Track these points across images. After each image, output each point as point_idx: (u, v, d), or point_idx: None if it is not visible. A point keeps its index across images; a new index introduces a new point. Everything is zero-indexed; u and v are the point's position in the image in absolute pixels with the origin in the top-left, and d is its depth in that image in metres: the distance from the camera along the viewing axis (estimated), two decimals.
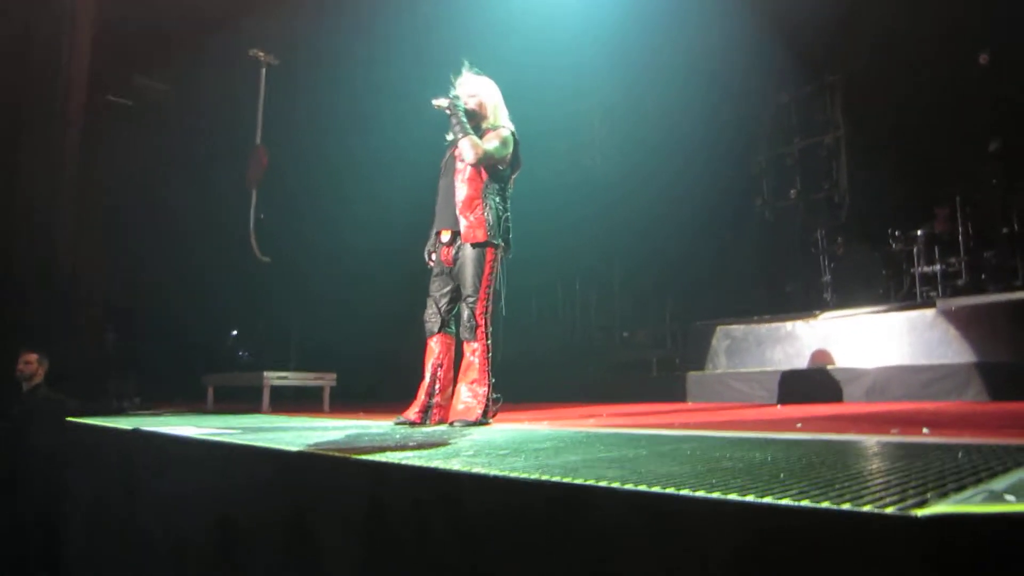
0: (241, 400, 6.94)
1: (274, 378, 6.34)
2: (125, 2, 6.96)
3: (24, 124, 7.06)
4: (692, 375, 6.90)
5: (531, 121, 8.80)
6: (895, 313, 6.10)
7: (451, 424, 3.81)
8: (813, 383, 5.74)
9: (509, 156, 4.03)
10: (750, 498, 1.37)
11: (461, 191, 3.96)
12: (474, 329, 3.90)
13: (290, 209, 8.21)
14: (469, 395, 3.86)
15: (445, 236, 4.10)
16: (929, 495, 1.33)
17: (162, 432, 3.67)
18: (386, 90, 7.36)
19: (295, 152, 8.19)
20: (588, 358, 9.14)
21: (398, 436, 3.26)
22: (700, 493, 1.45)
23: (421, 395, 4.08)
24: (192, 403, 7.07)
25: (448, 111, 3.97)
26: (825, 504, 1.28)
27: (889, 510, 1.20)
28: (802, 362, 6.27)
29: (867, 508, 1.22)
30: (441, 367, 4.10)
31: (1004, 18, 7.25)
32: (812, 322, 6.55)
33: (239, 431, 3.64)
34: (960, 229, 7.36)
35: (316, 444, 2.84)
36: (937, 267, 7.34)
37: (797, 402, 5.61)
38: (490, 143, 3.95)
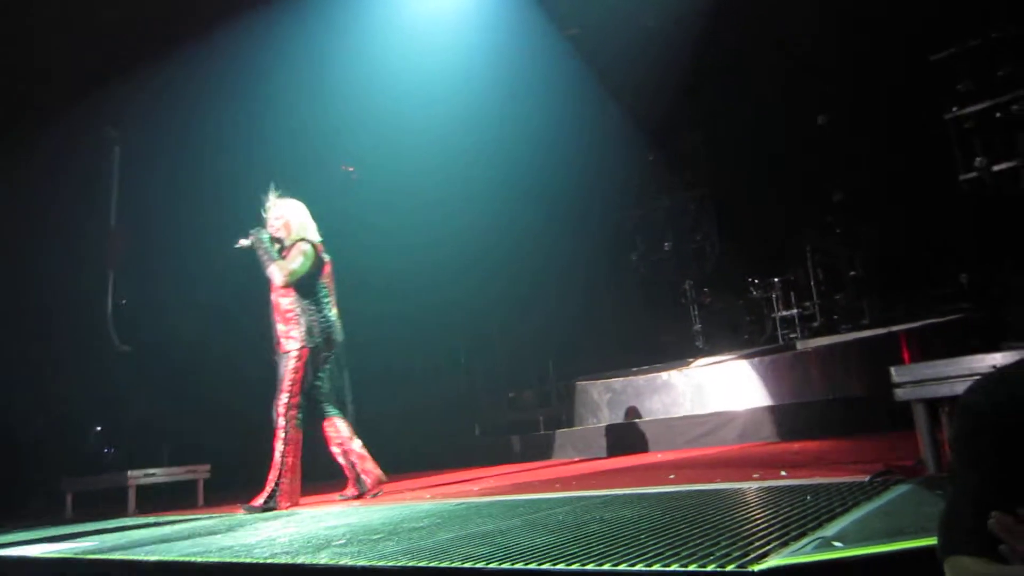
0: (105, 504, 6.39)
1: (140, 476, 5.90)
2: None
3: None
4: (575, 430, 6.98)
5: (405, 185, 8.95)
6: (759, 357, 6.44)
7: (246, 508, 4.30)
8: (689, 430, 5.92)
9: (312, 265, 4.53)
10: (606, 567, 1.39)
11: (276, 302, 4.51)
12: (277, 420, 4.39)
13: (155, 292, 7.81)
14: (269, 480, 4.36)
15: (276, 347, 4.54)
16: (772, 546, 1.39)
17: (5, 556, 3.33)
18: (244, 167, 7.23)
19: (156, 232, 7.86)
20: (475, 421, 9.10)
21: (272, 530, 3.10)
22: (560, 566, 1.46)
23: (347, 473, 4.60)
24: (49, 513, 6.47)
25: (254, 247, 4.52)
26: (674, 567, 1.31)
27: (731, 567, 1.25)
28: (679, 410, 6.47)
29: (711, 567, 1.27)
30: (342, 444, 4.57)
31: (837, 82, 7.99)
32: (686, 371, 6.80)
33: (96, 544, 3.37)
34: (812, 275, 7.91)
35: (180, 549, 2.67)
36: (794, 311, 7.84)
37: (675, 449, 5.77)
38: (294, 262, 4.48)
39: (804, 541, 1.39)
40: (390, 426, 8.22)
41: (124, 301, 7.75)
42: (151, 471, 5.99)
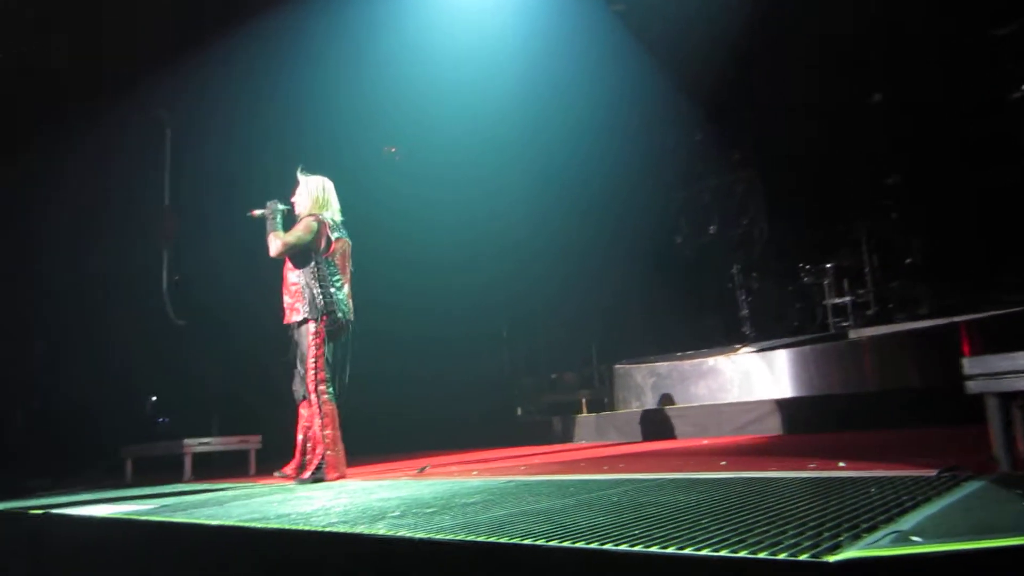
0: (162, 470, 6.61)
1: (195, 445, 6.08)
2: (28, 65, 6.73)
3: None
4: (620, 413, 6.97)
5: (450, 165, 8.96)
6: (811, 345, 6.33)
7: (297, 480, 4.43)
8: (737, 417, 5.87)
9: (313, 240, 4.55)
10: (671, 550, 1.38)
11: (285, 277, 4.60)
12: (305, 391, 4.47)
13: (205, 270, 7.99)
14: (308, 455, 4.48)
15: (285, 322, 4.62)
16: (843, 537, 1.37)
17: (71, 514, 3.46)
18: (293, 144, 7.33)
19: (209, 211, 8.02)
20: (517, 400, 9.15)
21: (323, 499, 3.16)
22: (623, 547, 1.45)
23: (296, 454, 4.64)
24: (111, 477, 6.70)
25: (267, 216, 4.61)
26: (743, 553, 1.30)
27: (803, 557, 1.23)
28: (726, 396, 6.41)
29: (783, 556, 1.25)
30: (308, 428, 4.57)
31: (894, 58, 7.73)
32: (733, 357, 6.73)
33: (156, 507, 3.48)
34: (867, 261, 7.73)
35: (239, 515, 2.74)
36: (847, 299, 7.67)
37: (722, 436, 5.73)
38: (291, 235, 4.53)
39: (878, 534, 1.36)
40: (432, 404, 8.32)
41: (178, 278, 7.95)
42: (206, 440, 6.16)
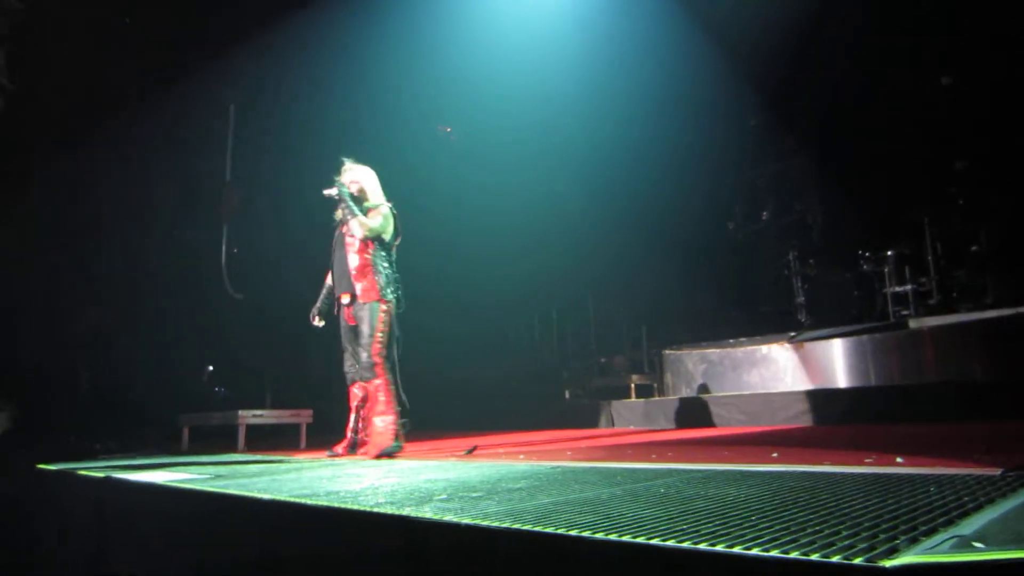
0: (217, 439, 6.82)
1: (249, 416, 6.25)
2: (92, 45, 6.92)
3: None
4: (669, 400, 6.90)
5: (498, 139, 8.93)
6: (869, 334, 6.16)
7: (368, 455, 4.50)
8: (790, 406, 5.75)
9: (390, 228, 4.82)
10: (719, 548, 1.36)
11: (353, 261, 4.75)
12: (372, 367, 4.60)
13: (262, 245, 8.16)
14: (380, 427, 4.55)
15: (345, 299, 4.82)
16: (900, 540, 1.32)
17: (133, 480, 3.59)
18: (355, 123, 7.41)
19: (266, 188, 8.17)
20: (566, 384, 9.13)
21: (372, 478, 3.21)
22: (670, 543, 1.43)
23: (348, 432, 4.85)
24: (167, 443, 6.94)
25: (336, 197, 4.81)
26: (794, 555, 1.26)
27: (858, 560, 1.19)
28: (779, 385, 6.29)
29: (836, 559, 1.21)
30: (361, 408, 4.81)
31: (965, 39, 7.41)
32: (787, 344, 6.59)
33: (212, 476, 3.58)
34: (929, 249, 7.46)
35: (290, 489, 2.79)
36: (908, 287, 7.43)
37: (774, 425, 5.63)
38: (374, 220, 4.76)
39: (937, 538, 1.31)
40: (481, 387, 8.38)
41: (236, 251, 8.14)
42: (259, 412, 6.32)
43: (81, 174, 7.67)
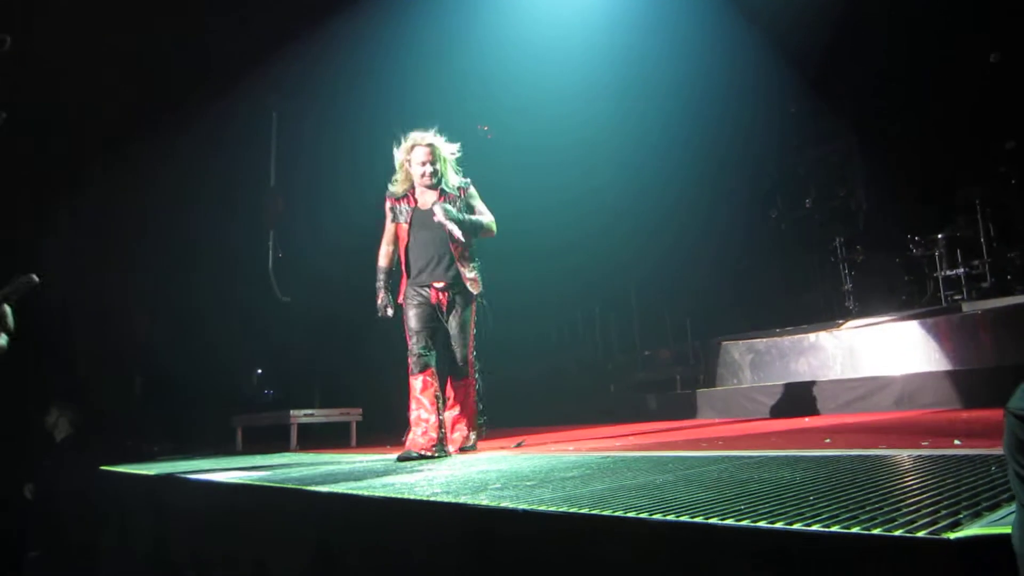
0: (269, 439, 6.98)
1: (300, 416, 6.38)
2: (138, 52, 7.12)
3: (44, 170, 7.22)
4: (715, 391, 6.84)
5: (536, 138, 8.94)
6: (920, 319, 6.03)
7: (456, 451, 4.31)
8: (840, 394, 5.66)
9: None
10: (779, 525, 1.36)
11: (458, 249, 4.34)
12: (467, 366, 4.40)
13: (309, 247, 8.31)
14: (463, 426, 4.44)
15: (439, 285, 4.34)
16: (962, 515, 1.31)
17: (192, 477, 3.70)
18: (395, 125, 7.50)
19: (308, 192, 8.32)
20: (610, 378, 9.10)
21: (425, 470, 3.26)
22: (729, 521, 1.44)
23: (431, 431, 4.14)
24: (221, 444, 7.12)
25: (454, 222, 4.28)
26: (855, 530, 1.27)
27: (921, 534, 1.19)
28: (827, 373, 6.19)
29: (899, 533, 1.21)
30: (439, 399, 4.28)
31: (1014, 14, 7.20)
32: (836, 332, 6.48)
33: (267, 472, 3.67)
34: (982, 231, 7.27)
35: (345, 484, 2.86)
36: (960, 270, 7.25)
37: (825, 414, 5.55)
38: (488, 217, 4.50)
39: (1001, 512, 1.30)
40: (525, 385, 8.41)
41: (281, 255, 8.30)
42: (310, 411, 6.45)
43: (128, 182, 7.90)
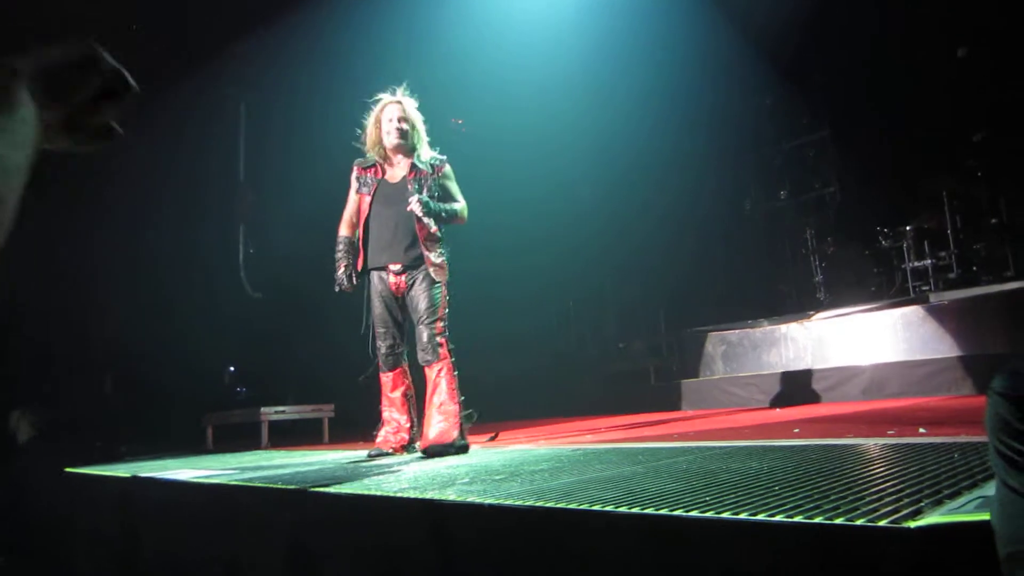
0: (240, 437, 6.89)
1: (271, 413, 6.31)
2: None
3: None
4: (688, 382, 6.89)
5: (510, 131, 8.91)
6: (888, 310, 6.11)
7: (426, 450, 3.69)
8: (810, 384, 5.73)
9: None
10: (743, 516, 1.36)
11: (423, 229, 3.93)
12: (436, 349, 3.83)
13: (279, 242, 8.22)
14: (440, 418, 3.75)
15: (396, 267, 3.96)
16: (924, 503, 1.32)
17: (160, 477, 3.64)
18: (366, 118, 7.43)
19: (279, 185, 8.21)
20: (584, 371, 9.12)
21: (395, 466, 3.24)
22: (694, 513, 1.44)
23: (402, 431, 3.99)
24: (192, 443, 7.02)
25: (430, 215, 3.95)
26: (818, 519, 1.26)
27: (883, 523, 1.19)
28: (798, 364, 6.26)
29: (860, 522, 1.21)
30: (412, 397, 4.06)
31: (980, 11, 7.31)
32: (806, 323, 6.55)
33: (237, 471, 3.62)
34: (948, 222, 7.38)
35: (314, 480, 2.82)
36: (928, 262, 7.36)
37: (795, 404, 5.60)
38: (461, 203, 4.11)
39: (962, 500, 1.31)
40: (498, 375, 8.39)
41: (252, 251, 8.20)
42: (282, 408, 6.38)
43: (92, 176, 7.74)
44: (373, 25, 7.82)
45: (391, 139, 4.04)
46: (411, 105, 4.13)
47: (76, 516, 4.60)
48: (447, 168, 4.13)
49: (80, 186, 7.47)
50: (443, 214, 3.99)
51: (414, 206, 3.90)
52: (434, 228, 3.97)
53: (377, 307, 4.04)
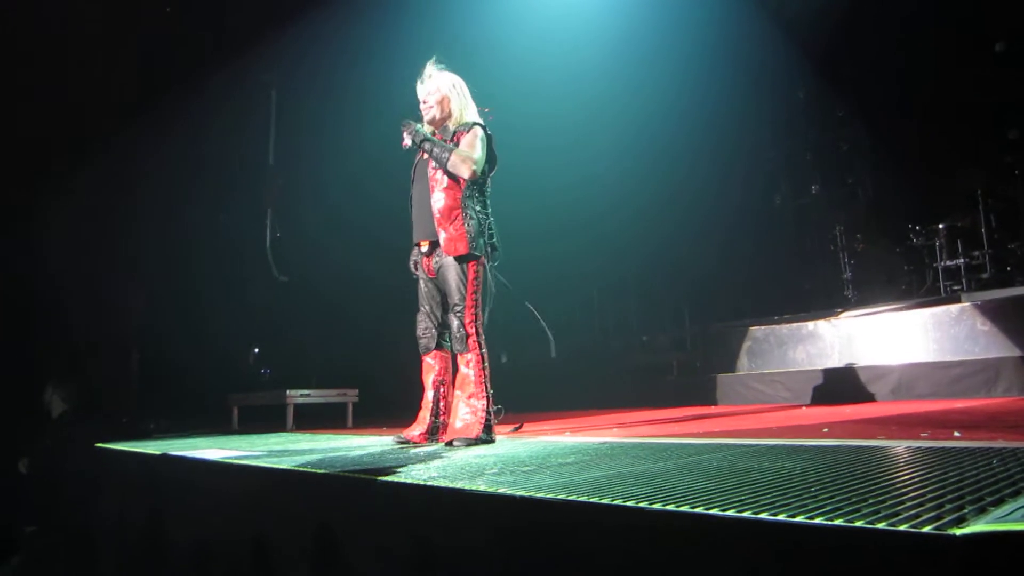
0: (265, 419, 6.97)
1: (297, 396, 6.37)
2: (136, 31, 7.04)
3: (42, 148, 7.17)
4: (712, 378, 6.85)
5: (536, 122, 8.87)
6: (919, 309, 6.02)
7: (449, 443, 3.56)
8: (837, 383, 5.67)
9: (488, 155, 3.80)
10: (782, 517, 1.35)
11: (439, 201, 3.69)
12: (465, 339, 3.65)
13: (306, 227, 8.28)
14: (467, 411, 3.61)
15: (425, 247, 3.84)
16: (967, 510, 1.30)
17: (189, 456, 3.69)
18: (393, 106, 7.45)
19: (307, 170, 8.26)
20: (607, 364, 9.10)
21: (422, 455, 3.25)
22: (731, 512, 1.43)
23: (425, 415, 3.89)
24: (217, 423, 7.11)
25: (417, 146, 3.77)
26: (860, 523, 1.25)
27: (926, 529, 1.17)
28: (825, 362, 6.19)
29: (904, 528, 1.20)
30: (443, 384, 3.91)
31: (1018, 3, 7.15)
32: (834, 321, 6.48)
33: (264, 453, 3.66)
34: (983, 221, 7.25)
35: (342, 465, 2.85)
36: (960, 261, 7.24)
37: (822, 403, 5.55)
38: (476, 151, 3.67)
39: (1006, 508, 1.29)
40: (521, 370, 8.40)
41: (279, 235, 8.26)
42: (307, 392, 6.44)
43: (125, 159, 7.83)
44: (404, 15, 7.82)
45: (425, 120, 3.92)
46: (437, 81, 3.91)
47: (104, 490, 4.69)
48: (468, 134, 3.77)
49: (113, 169, 7.57)
50: (435, 149, 3.69)
51: (405, 138, 3.77)
52: (446, 202, 3.68)
53: (419, 287, 3.97)
